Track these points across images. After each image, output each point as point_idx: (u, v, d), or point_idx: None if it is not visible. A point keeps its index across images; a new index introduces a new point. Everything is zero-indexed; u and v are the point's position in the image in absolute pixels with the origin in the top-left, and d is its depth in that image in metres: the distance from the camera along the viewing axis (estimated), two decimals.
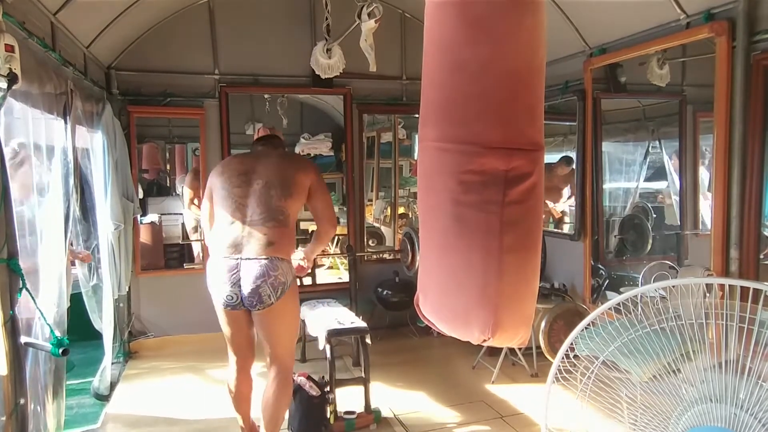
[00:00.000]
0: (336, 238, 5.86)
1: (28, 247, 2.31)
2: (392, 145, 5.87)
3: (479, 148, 1.28)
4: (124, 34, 4.19)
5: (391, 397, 3.70)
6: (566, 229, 4.65)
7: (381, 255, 5.58)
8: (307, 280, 4.86)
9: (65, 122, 2.79)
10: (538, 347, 3.81)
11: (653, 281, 3.10)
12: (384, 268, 5.13)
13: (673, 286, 1.85)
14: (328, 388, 3.19)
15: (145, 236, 4.83)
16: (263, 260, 2.60)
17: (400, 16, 5.06)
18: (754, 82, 2.77)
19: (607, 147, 4.12)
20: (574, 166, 4.26)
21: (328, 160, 6.07)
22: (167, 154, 5.73)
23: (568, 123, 4.25)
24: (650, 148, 4.18)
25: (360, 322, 3.52)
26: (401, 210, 6.19)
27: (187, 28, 4.57)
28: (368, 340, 3.41)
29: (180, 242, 5.13)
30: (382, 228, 6.22)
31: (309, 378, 3.15)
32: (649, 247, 3.98)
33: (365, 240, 5.37)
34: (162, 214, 5.12)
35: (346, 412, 3.28)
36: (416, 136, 5.97)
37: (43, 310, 2.18)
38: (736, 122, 2.82)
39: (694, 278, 2.05)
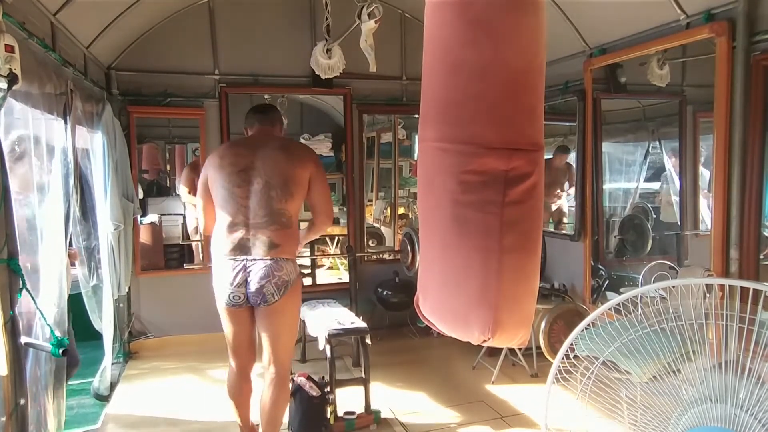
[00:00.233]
0: (336, 238, 5.87)
1: (28, 247, 2.31)
2: (392, 145, 5.87)
3: (479, 149, 1.28)
4: (124, 34, 4.19)
5: (391, 397, 3.70)
6: (566, 229, 4.65)
7: (381, 255, 5.58)
8: (307, 281, 4.85)
9: (65, 122, 2.78)
10: (538, 347, 3.81)
11: (653, 281, 3.10)
12: (384, 268, 5.13)
13: (673, 287, 1.85)
14: (328, 389, 3.19)
15: (145, 236, 4.83)
16: (268, 261, 2.62)
17: (400, 16, 5.06)
18: (754, 82, 2.77)
19: (607, 147, 4.12)
20: (572, 155, 4.24)
21: (328, 161, 6.06)
22: (167, 155, 5.71)
23: (568, 123, 4.25)
24: (650, 149, 4.18)
25: (360, 323, 3.52)
26: (401, 210, 6.19)
27: (187, 29, 4.57)
28: (368, 341, 3.41)
29: (180, 242, 5.12)
30: (382, 228, 6.22)
31: (309, 378, 3.15)
32: (649, 247, 3.98)
33: (365, 240, 5.37)
34: (162, 215, 5.11)
35: (346, 413, 3.28)
36: (416, 137, 5.97)
37: (43, 310, 2.18)
38: (736, 122, 2.82)
39: (694, 279, 2.05)
